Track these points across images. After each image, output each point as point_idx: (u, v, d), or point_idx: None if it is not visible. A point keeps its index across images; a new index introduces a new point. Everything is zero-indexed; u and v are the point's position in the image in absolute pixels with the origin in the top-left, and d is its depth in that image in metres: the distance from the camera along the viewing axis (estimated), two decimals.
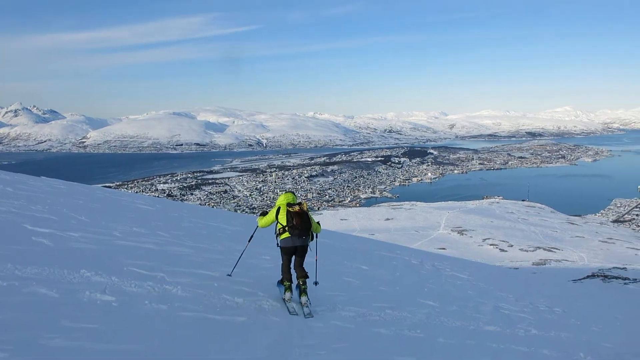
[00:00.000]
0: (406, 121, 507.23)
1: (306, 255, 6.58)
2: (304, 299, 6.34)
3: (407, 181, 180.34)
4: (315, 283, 6.69)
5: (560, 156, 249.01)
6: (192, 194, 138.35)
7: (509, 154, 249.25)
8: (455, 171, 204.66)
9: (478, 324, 7.89)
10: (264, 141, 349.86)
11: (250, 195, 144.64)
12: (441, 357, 5.70)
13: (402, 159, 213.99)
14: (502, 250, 49.70)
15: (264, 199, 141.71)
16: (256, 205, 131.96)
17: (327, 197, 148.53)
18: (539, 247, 51.24)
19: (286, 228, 6.38)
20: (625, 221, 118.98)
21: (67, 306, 4.34)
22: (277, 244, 6.57)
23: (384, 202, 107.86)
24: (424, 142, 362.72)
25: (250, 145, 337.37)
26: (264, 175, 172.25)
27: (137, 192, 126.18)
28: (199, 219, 13.91)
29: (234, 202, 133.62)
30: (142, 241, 8.14)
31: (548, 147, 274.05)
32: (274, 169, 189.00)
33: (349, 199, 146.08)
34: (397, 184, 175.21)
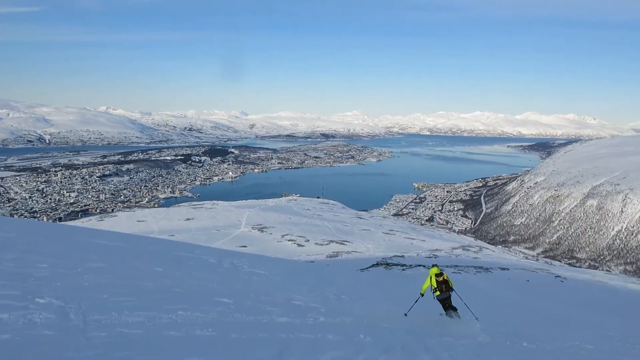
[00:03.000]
0: (207, 120, 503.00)
1: (451, 298, 11.30)
2: (453, 312, 11.22)
3: (208, 180, 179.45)
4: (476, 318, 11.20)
5: (350, 156, 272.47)
6: None
7: (306, 154, 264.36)
8: (256, 170, 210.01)
9: (271, 316, 8.10)
10: (47, 137, 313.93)
11: (30, 197, 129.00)
12: (231, 354, 5.70)
13: (203, 158, 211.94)
14: (299, 245, 52.24)
15: (47, 201, 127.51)
16: (38, 209, 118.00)
17: (122, 197, 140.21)
18: (332, 241, 55.13)
19: (437, 289, 11.05)
20: (403, 214, 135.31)
21: None
22: (434, 297, 11.22)
23: (185, 202, 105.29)
24: (225, 141, 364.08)
25: (30, 141, 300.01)
26: (47, 175, 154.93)
27: None
28: None
29: (9, 206, 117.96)
30: None
31: (340, 148, 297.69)
32: (60, 167, 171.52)
33: (146, 199, 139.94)
34: (197, 183, 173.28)
